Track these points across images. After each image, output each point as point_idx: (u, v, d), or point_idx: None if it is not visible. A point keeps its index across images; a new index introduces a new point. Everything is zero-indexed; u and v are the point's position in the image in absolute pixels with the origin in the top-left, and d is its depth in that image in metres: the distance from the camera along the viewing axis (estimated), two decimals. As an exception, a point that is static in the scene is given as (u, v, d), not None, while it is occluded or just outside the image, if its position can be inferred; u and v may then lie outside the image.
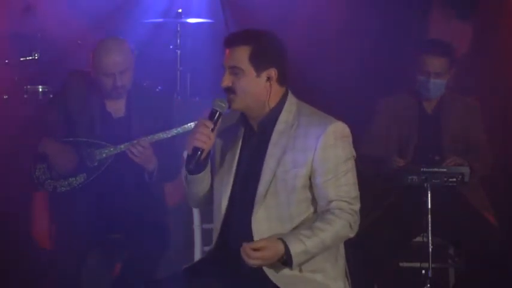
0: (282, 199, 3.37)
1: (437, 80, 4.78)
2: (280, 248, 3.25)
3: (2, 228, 4.96)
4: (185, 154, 3.54)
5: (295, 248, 3.25)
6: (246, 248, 3.23)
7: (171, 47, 6.64)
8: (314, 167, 3.36)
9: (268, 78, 3.41)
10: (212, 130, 3.39)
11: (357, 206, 3.38)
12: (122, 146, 4.59)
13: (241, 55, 3.39)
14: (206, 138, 3.36)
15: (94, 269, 4.82)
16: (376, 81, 5.80)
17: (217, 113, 3.40)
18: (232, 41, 3.44)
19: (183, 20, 6.53)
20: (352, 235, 3.39)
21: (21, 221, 4.91)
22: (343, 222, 3.33)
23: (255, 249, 3.23)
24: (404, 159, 4.67)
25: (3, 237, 4.93)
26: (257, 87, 3.41)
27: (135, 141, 4.48)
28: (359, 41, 6.13)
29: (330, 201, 3.34)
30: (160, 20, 6.62)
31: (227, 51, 3.44)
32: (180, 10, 6.55)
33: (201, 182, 3.52)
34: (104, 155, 4.62)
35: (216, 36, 6.51)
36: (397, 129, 4.85)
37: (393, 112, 4.88)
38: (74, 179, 4.63)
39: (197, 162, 3.40)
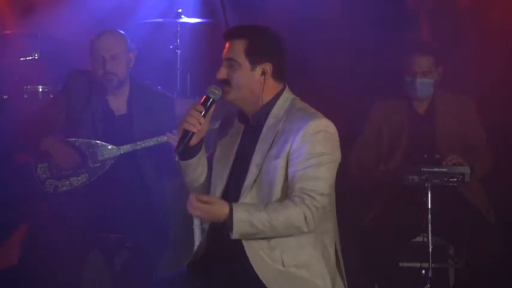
0: (265, 191, 3.38)
1: (424, 79, 4.80)
2: (225, 209, 3.26)
3: (3, 227, 4.96)
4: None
5: (239, 215, 3.25)
6: (192, 197, 3.25)
7: (171, 47, 6.64)
8: (289, 157, 3.37)
9: (263, 73, 3.44)
10: (204, 115, 3.41)
11: (319, 203, 3.31)
12: (125, 147, 4.60)
13: (238, 48, 3.44)
14: (195, 122, 3.39)
15: (94, 268, 4.83)
16: (376, 83, 5.81)
17: (210, 99, 3.42)
18: (231, 34, 3.50)
19: (183, 20, 6.53)
20: (305, 230, 3.31)
21: (22, 220, 4.91)
22: (298, 211, 3.28)
23: (201, 201, 3.25)
24: (393, 162, 4.69)
25: (3, 236, 4.93)
26: (251, 81, 3.44)
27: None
28: (360, 40, 6.14)
29: (294, 191, 3.32)
30: (160, 20, 6.62)
31: (226, 44, 3.48)
32: (180, 10, 6.55)
33: (193, 170, 3.55)
34: (107, 156, 4.62)
35: (216, 36, 6.51)
36: (388, 133, 4.87)
37: (384, 116, 4.90)
38: (75, 178, 4.63)
39: (186, 146, 3.42)
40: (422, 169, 4.47)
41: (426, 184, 4.43)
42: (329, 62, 6.14)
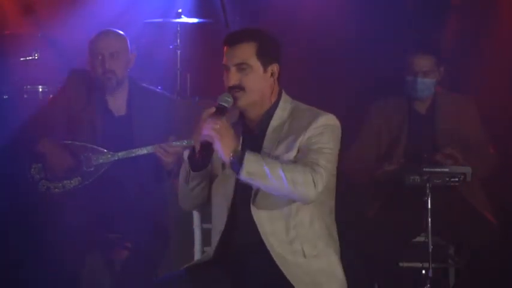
0: None
1: (425, 79, 4.79)
2: (237, 139, 3.31)
3: (2, 227, 4.95)
4: (185, 155, 3.53)
5: (250, 155, 3.25)
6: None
7: (171, 47, 6.64)
8: (300, 147, 3.37)
9: (272, 74, 3.45)
10: None
11: (323, 169, 3.30)
12: (120, 154, 4.58)
13: (248, 51, 3.40)
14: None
15: (94, 269, 4.83)
16: (376, 82, 5.81)
17: (224, 108, 3.38)
18: (235, 38, 3.45)
19: (183, 20, 6.53)
20: (311, 193, 3.28)
21: (21, 220, 4.91)
22: (306, 170, 3.28)
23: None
24: (396, 161, 4.68)
25: (2, 236, 4.93)
26: (264, 83, 3.43)
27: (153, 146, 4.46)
28: (360, 39, 6.15)
29: (300, 162, 3.34)
30: (160, 20, 6.62)
31: (228, 49, 3.43)
32: (180, 10, 6.55)
33: (203, 178, 3.50)
34: (101, 161, 4.61)
35: (216, 36, 6.51)
36: (388, 132, 4.86)
37: (384, 116, 4.89)
38: (68, 181, 4.61)
39: (207, 157, 3.38)
40: (424, 169, 4.46)
41: (428, 184, 4.42)
42: (329, 62, 6.15)
